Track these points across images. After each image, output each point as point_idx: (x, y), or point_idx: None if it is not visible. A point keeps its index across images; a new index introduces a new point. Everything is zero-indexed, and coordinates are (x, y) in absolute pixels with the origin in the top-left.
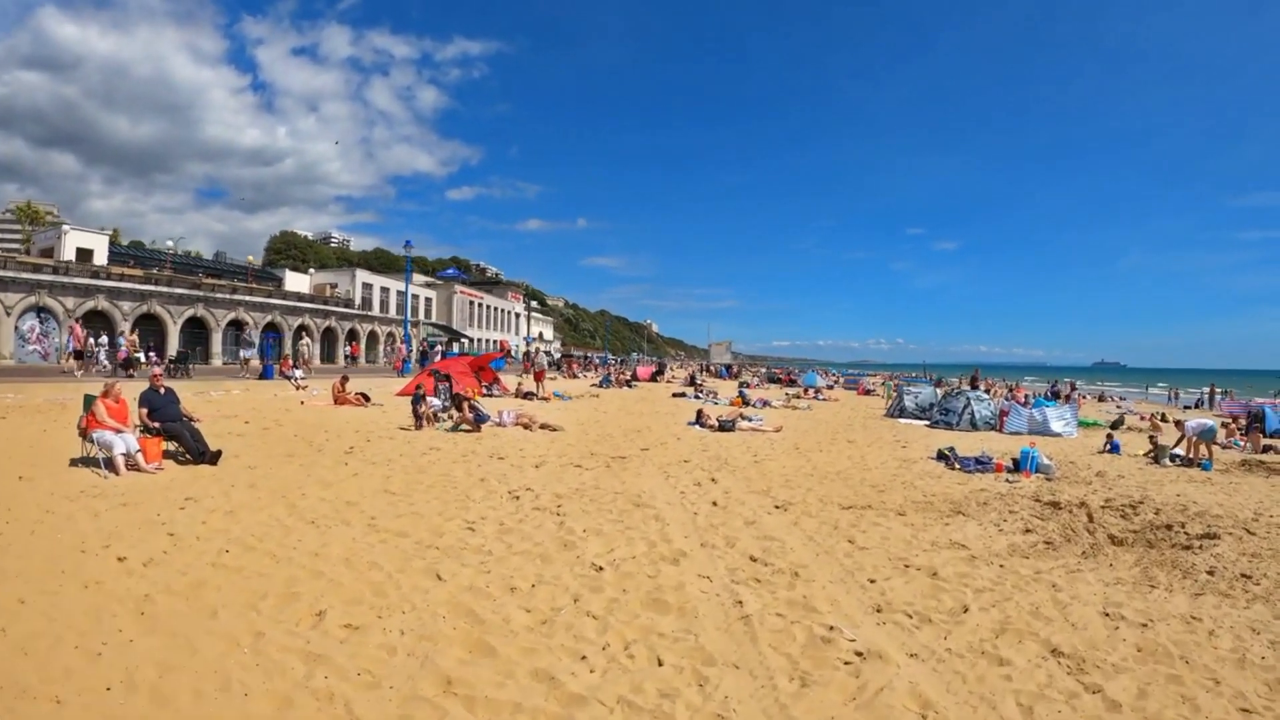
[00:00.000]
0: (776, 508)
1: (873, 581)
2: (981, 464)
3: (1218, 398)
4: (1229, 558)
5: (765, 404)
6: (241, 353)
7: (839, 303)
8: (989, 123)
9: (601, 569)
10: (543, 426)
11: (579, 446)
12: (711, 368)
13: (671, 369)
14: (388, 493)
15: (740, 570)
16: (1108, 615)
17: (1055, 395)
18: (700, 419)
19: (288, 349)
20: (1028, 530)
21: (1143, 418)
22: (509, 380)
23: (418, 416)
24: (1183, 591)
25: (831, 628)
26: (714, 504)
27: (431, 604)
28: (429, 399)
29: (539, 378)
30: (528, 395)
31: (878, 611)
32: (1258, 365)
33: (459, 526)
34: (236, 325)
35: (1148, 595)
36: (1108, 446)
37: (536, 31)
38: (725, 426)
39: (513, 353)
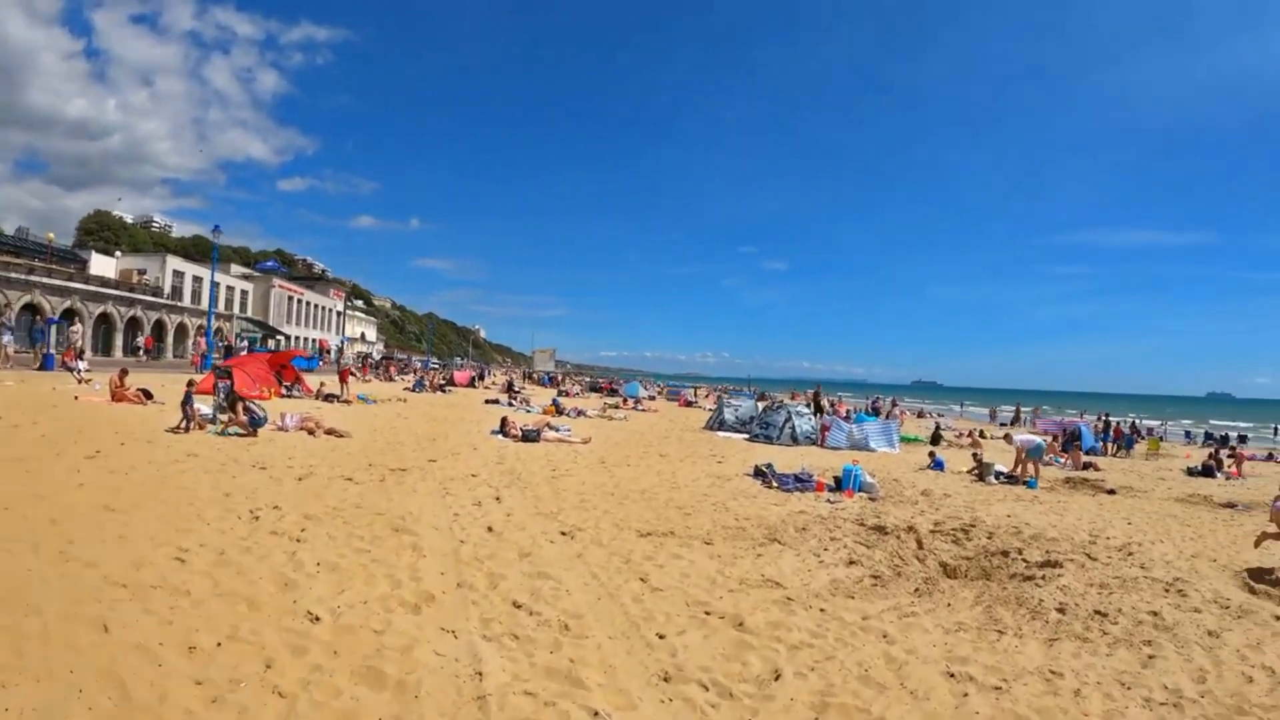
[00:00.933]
0: (562, 534)
1: (662, 638)
2: (801, 482)
3: (1025, 416)
4: (1076, 590)
5: (580, 413)
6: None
7: (669, 316)
8: (821, 152)
9: (318, 619)
10: (329, 432)
11: (360, 456)
12: (534, 375)
13: (492, 375)
14: (108, 509)
15: (497, 621)
16: (953, 676)
17: (875, 411)
18: (504, 428)
19: (77, 338)
20: (852, 561)
21: (961, 434)
22: (313, 380)
23: (186, 418)
24: (1035, 637)
25: (596, 714)
26: (489, 529)
27: (79, 669)
28: (194, 398)
29: (343, 378)
30: (329, 397)
31: (664, 682)
32: (1062, 387)
33: (167, 556)
34: (31, 310)
35: (996, 644)
36: (931, 463)
37: (385, 24)
38: (529, 436)
39: (331, 352)
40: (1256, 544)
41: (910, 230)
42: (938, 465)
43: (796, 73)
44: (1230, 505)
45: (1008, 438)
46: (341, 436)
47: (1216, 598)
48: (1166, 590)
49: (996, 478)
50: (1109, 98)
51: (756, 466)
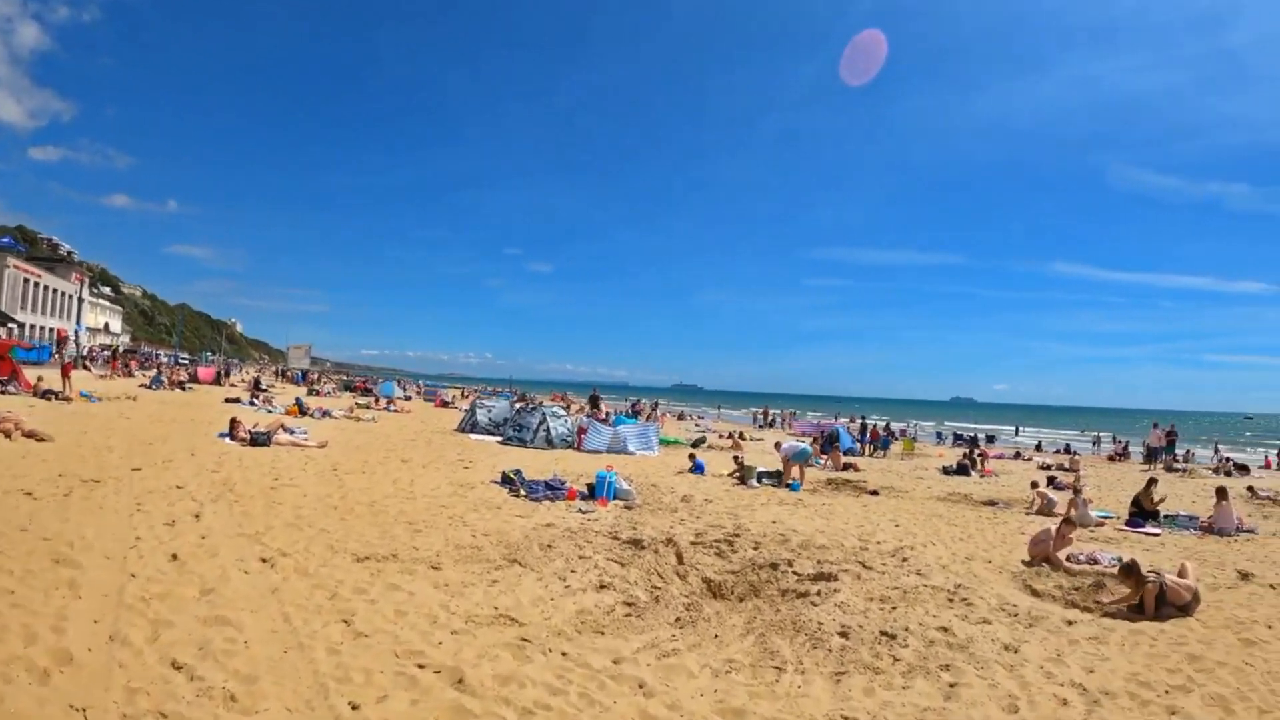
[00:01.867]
0: (262, 561)
1: (356, 708)
2: (552, 490)
3: (775, 418)
4: (857, 607)
5: (325, 414)
6: None
7: (433, 315)
8: (593, 158)
9: None
10: (28, 435)
11: (54, 464)
12: (288, 373)
13: (242, 371)
14: None
15: (145, 692)
16: None
17: (636, 413)
18: (233, 430)
19: None
20: (603, 585)
21: (722, 436)
22: (36, 375)
23: None
24: (819, 671)
25: None
26: (173, 557)
27: None
28: None
29: (65, 373)
30: (47, 394)
31: None
32: (819, 391)
33: None
34: None
35: (775, 686)
36: (691, 466)
37: None
38: (258, 440)
39: (71, 344)
40: (1054, 566)
41: (679, 237)
42: (698, 469)
43: (575, 79)
44: (991, 503)
45: (778, 445)
46: (42, 440)
47: (1002, 604)
48: (950, 600)
49: (759, 480)
50: (876, 128)
51: (504, 473)
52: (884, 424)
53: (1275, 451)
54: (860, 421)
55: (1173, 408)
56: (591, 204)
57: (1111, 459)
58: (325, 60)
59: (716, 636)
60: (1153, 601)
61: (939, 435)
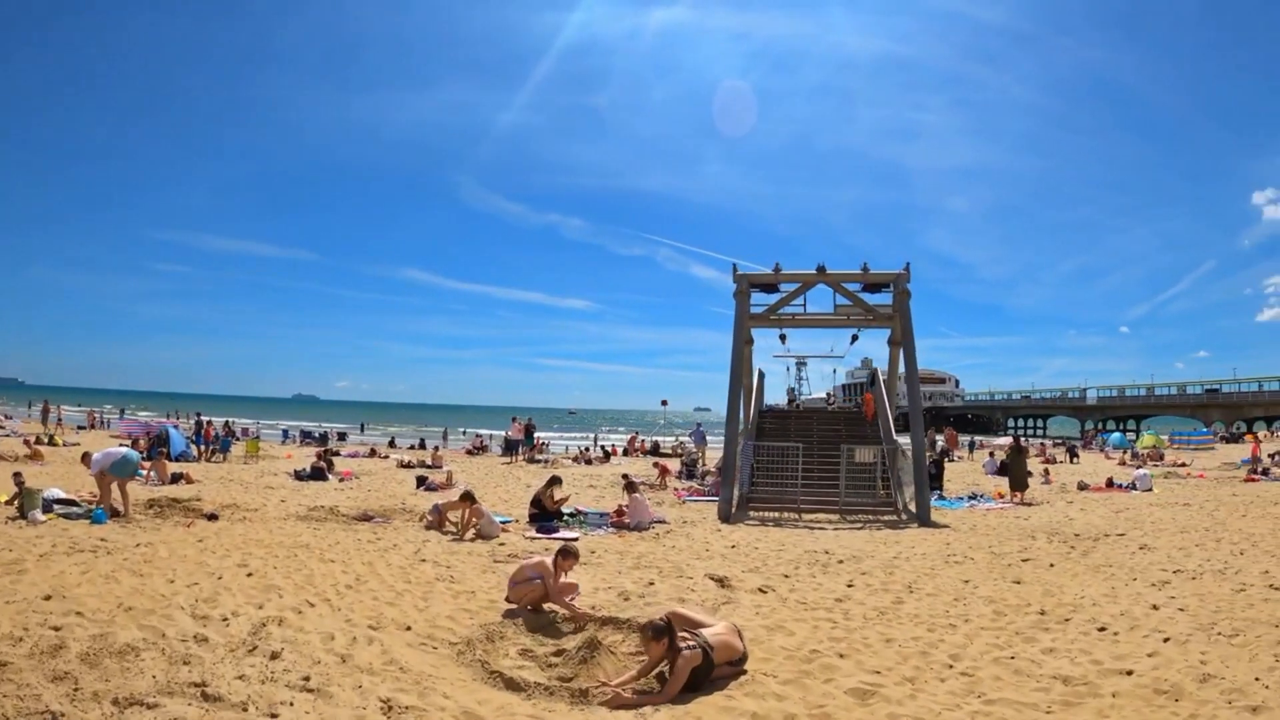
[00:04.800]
0: None
1: None
2: None
3: (104, 417)
4: None
5: None
6: None
7: None
8: None
9: None
10: None
11: None
12: None
13: None
14: None
15: None
16: None
17: None
18: None
19: None
20: None
21: (27, 441)
22: None
23: None
24: None
25: None
26: None
27: None
28: None
29: None
30: None
31: None
32: (158, 388)
33: None
34: None
35: None
36: None
37: None
38: None
39: None
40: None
41: (5, 201)
42: None
43: None
44: (366, 518)
45: (86, 457)
46: None
47: None
48: None
49: (47, 511)
50: (233, 109)
51: None
52: (223, 422)
53: (625, 440)
54: (195, 419)
55: (507, 403)
56: None
57: (470, 452)
58: None
59: None
60: (688, 675)
61: (285, 434)
